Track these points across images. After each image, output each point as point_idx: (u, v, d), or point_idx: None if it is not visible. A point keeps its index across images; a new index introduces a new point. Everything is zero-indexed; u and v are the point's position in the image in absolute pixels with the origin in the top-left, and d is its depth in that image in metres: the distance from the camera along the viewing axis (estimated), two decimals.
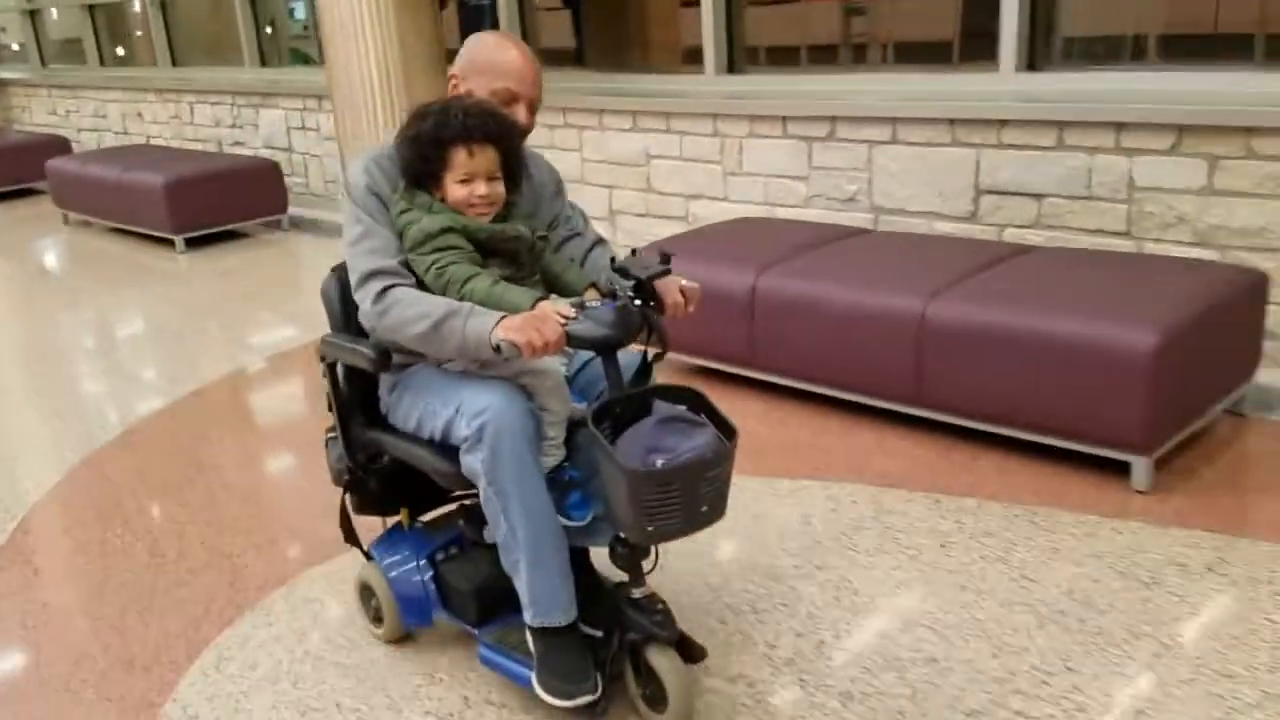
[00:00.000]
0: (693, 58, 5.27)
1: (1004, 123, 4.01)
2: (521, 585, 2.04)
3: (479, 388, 2.00)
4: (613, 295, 1.95)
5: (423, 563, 2.33)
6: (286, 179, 7.29)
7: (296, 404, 4.12)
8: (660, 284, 2.01)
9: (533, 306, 1.92)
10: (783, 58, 5.25)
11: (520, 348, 1.83)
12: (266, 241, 6.78)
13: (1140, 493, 2.87)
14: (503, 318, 1.89)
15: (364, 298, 2.04)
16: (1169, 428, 2.91)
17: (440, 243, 2.01)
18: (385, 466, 2.30)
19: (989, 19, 4.18)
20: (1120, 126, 3.74)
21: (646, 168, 5.31)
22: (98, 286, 6.14)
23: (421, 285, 2.03)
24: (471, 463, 1.97)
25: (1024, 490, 2.94)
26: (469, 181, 2.03)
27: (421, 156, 2.04)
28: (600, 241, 2.37)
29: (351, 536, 2.44)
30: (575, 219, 2.40)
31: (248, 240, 6.82)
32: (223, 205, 6.72)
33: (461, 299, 1.97)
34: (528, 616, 2.06)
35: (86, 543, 3.09)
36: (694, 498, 1.82)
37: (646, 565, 2.05)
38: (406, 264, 2.05)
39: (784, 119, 4.69)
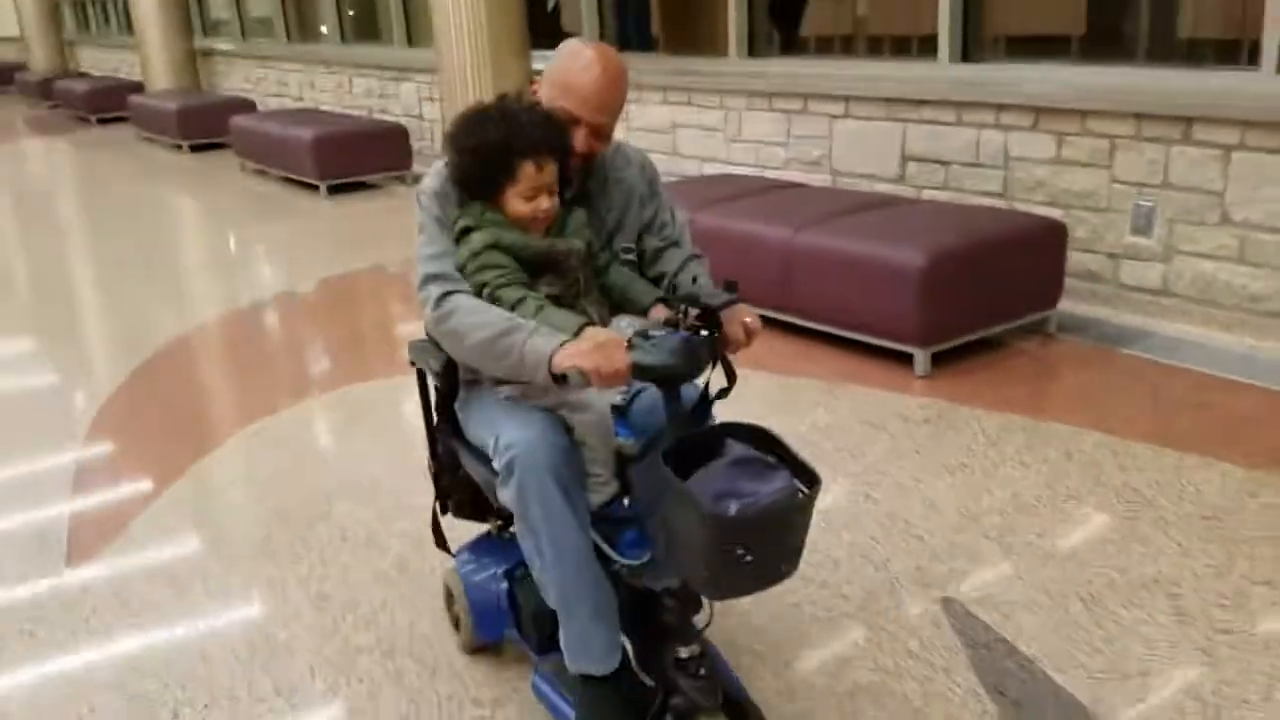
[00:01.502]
0: (716, 45, 6.37)
1: (921, 102, 4.99)
2: (560, 626, 1.97)
3: (516, 419, 1.90)
4: (677, 324, 1.78)
5: (499, 575, 2.25)
6: (416, 142, 8.75)
7: (391, 290, 5.51)
8: (723, 314, 1.84)
9: (577, 332, 1.78)
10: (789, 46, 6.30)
11: (588, 375, 1.71)
12: (392, 193, 8.25)
13: (920, 377, 3.88)
14: (566, 341, 1.76)
15: (425, 301, 1.96)
16: (946, 330, 3.91)
17: (485, 261, 1.91)
18: (468, 475, 2.21)
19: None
20: (1000, 108, 4.68)
21: (672, 134, 6.47)
22: (253, 216, 7.77)
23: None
24: (504, 497, 1.90)
25: (839, 372, 3.99)
26: (534, 198, 1.93)
27: (484, 167, 1.93)
28: (696, 257, 2.19)
29: (440, 539, 2.36)
30: (671, 227, 2.20)
31: (377, 191, 8.31)
32: (359, 160, 8.23)
33: None
34: (566, 660, 1.98)
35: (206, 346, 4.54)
36: (772, 549, 1.63)
37: (700, 620, 1.91)
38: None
39: (770, 95, 5.77)
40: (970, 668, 2.30)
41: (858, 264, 3.96)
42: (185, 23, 12.47)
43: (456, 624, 2.44)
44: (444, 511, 2.33)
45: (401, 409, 3.81)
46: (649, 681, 1.98)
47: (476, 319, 1.88)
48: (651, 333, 1.76)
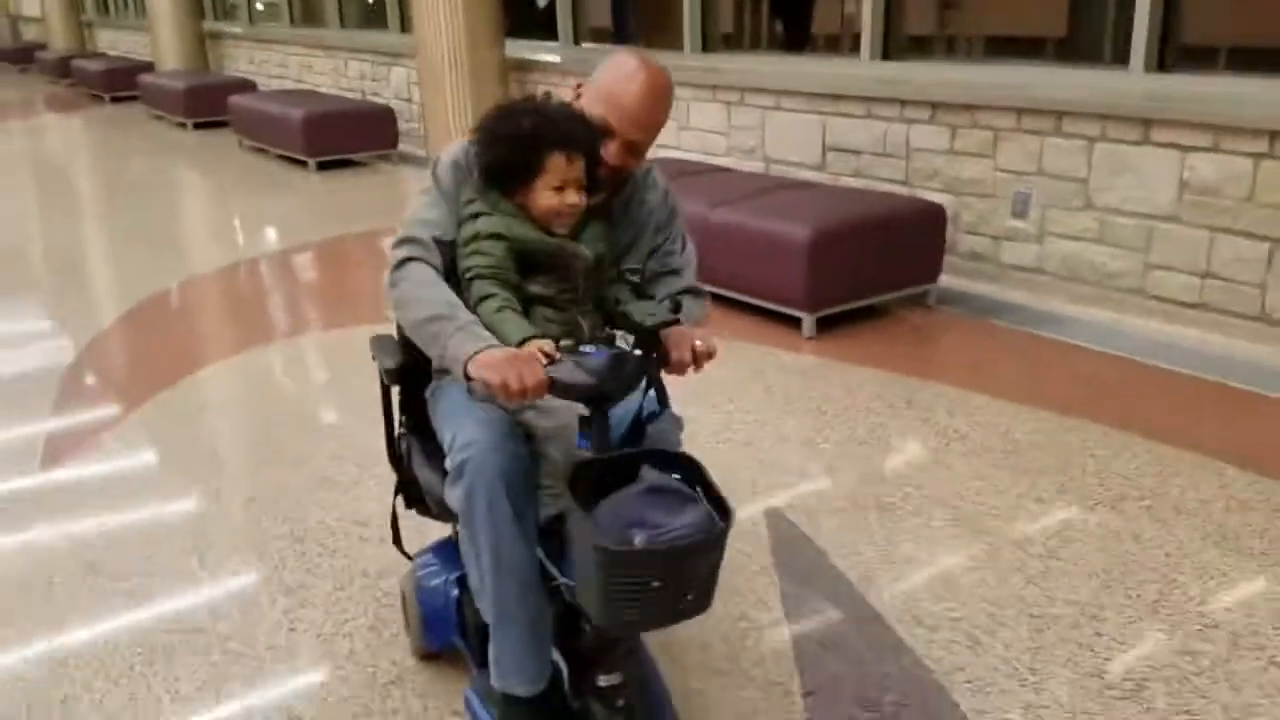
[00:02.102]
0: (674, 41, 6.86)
1: (839, 97, 5.47)
2: (490, 641, 1.90)
3: (474, 420, 1.85)
4: (610, 341, 1.80)
5: (451, 581, 2.20)
6: (405, 124, 9.25)
7: (359, 256, 6.03)
8: (671, 336, 1.84)
9: (522, 343, 1.75)
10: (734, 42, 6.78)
11: (494, 389, 1.67)
12: (377, 170, 8.75)
13: (807, 338, 4.37)
14: (488, 346, 1.74)
15: (391, 259, 1.96)
16: (830, 297, 4.39)
17: (483, 247, 1.89)
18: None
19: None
20: (903, 103, 5.15)
21: None
22: (244, 189, 8.30)
23: (455, 281, 1.93)
24: (449, 497, 1.85)
25: (737, 331, 4.48)
26: (562, 190, 1.91)
27: (515, 156, 1.91)
28: (692, 291, 2.15)
29: (396, 538, 2.33)
30: (676, 257, 2.16)
31: (364, 168, 8.81)
32: (347, 139, 8.74)
33: (474, 313, 1.85)
34: (491, 677, 1.92)
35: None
36: (677, 586, 1.57)
37: (622, 649, 1.83)
38: (450, 249, 1.95)
39: (714, 88, 6.25)
40: (770, 554, 2.80)
41: (757, 237, 4.44)
42: (196, 6, 13.01)
43: (409, 626, 2.40)
44: (408, 506, 2.24)
45: (355, 358, 4.32)
46: (575, 706, 1.90)
47: (420, 293, 1.87)
48: (583, 349, 1.74)
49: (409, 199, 7.64)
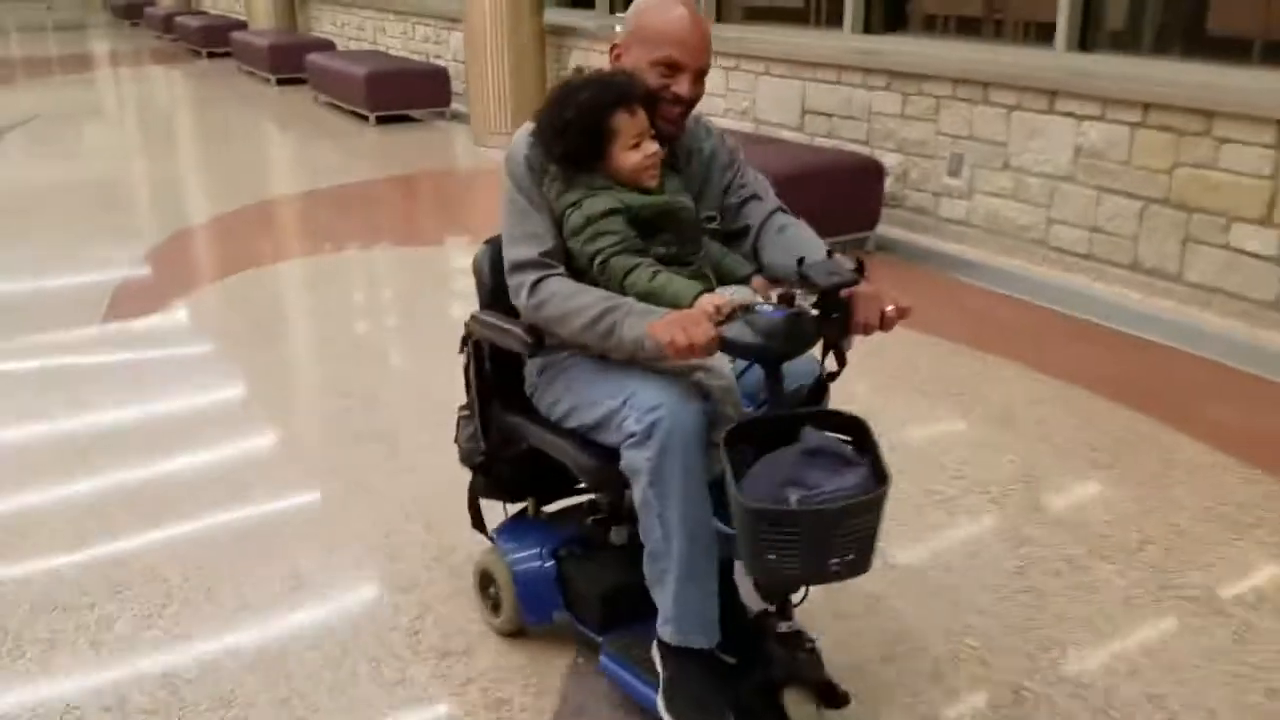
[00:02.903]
0: None
1: (817, 65, 6.11)
2: (665, 598, 1.91)
3: (653, 382, 1.85)
4: (790, 300, 1.73)
5: (548, 556, 2.24)
6: (459, 84, 10.07)
7: (387, 196, 6.88)
8: (859, 298, 1.82)
9: (694, 300, 1.77)
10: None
11: (664, 348, 1.70)
12: (431, 126, 9.59)
13: None
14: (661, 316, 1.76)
15: (517, 288, 1.97)
16: None
17: (602, 227, 1.90)
18: (520, 452, 2.19)
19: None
20: (866, 71, 5.78)
21: None
22: (308, 136, 9.23)
23: (576, 274, 1.95)
24: (635, 459, 1.84)
25: None
26: (639, 144, 1.94)
27: (584, 133, 1.94)
28: (782, 210, 2.17)
29: (478, 521, 2.37)
30: (751, 186, 2.18)
31: (418, 124, 9.66)
32: (404, 96, 9.60)
33: (623, 292, 1.86)
34: (666, 633, 1.93)
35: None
36: (825, 546, 1.61)
37: (796, 598, 1.88)
38: (562, 248, 1.96)
39: (716, 53, 6.90)
40: None
41: None
42: None
43: (495, 607, 2.38)
44: (484, 493, 2.33)
45: (380, 275, 5.16)
46: (730, 661, 1.96)
47: (574, 302, 1.89)
48: (758, 307, 1.72)
49: (453, 151, 8.48)
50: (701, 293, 1.79)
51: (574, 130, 1.95)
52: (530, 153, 2.02)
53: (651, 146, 1.96)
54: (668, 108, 2.03)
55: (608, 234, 1.90)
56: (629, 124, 1.94)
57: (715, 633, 1.95)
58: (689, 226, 2.00)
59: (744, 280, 2.04)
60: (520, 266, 1.97)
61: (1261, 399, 3.72)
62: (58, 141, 9.05)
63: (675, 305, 1.80)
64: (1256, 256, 4.12)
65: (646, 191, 1.98)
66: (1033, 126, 4.90)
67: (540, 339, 2.03)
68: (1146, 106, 4.41)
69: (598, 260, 1.90)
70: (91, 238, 5.91)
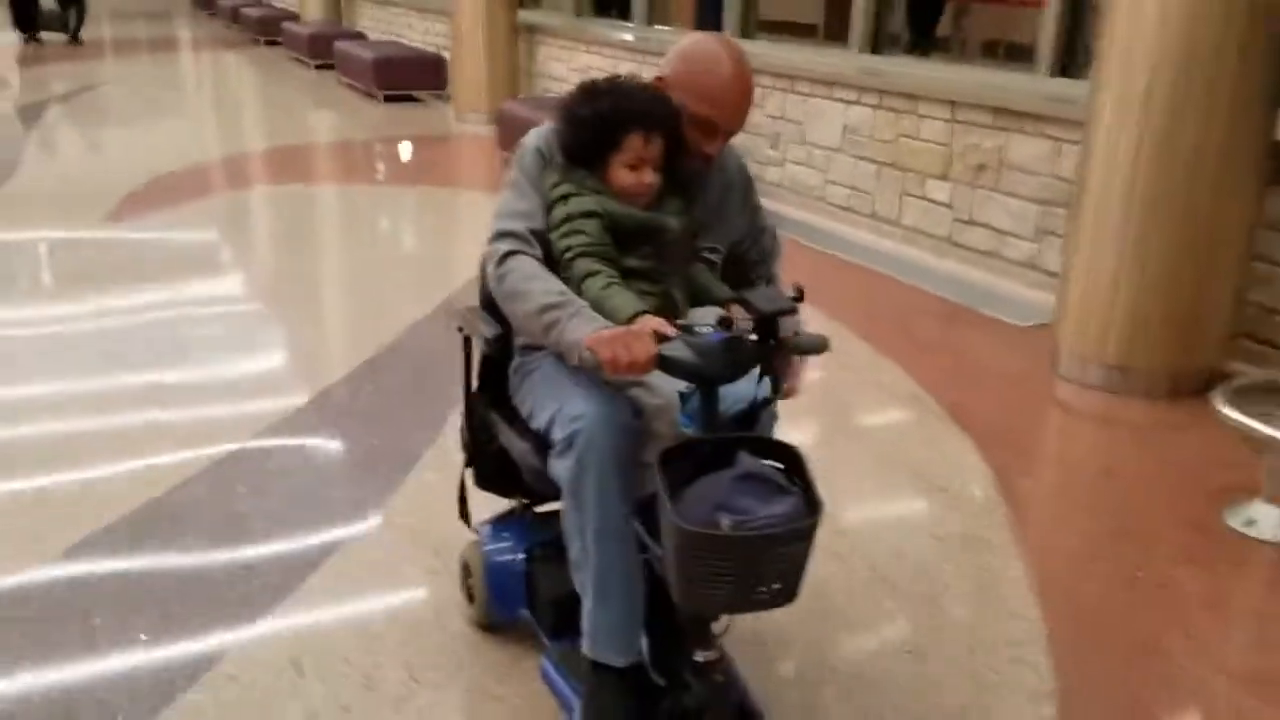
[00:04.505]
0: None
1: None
2: (585, 612, 1.93)
3: (585, 392, 1.86)
4: (729, 324, 1.72)
5: (520, 554, 2.26)
6: None
7: (375, 151, 8.57)
8: (791, 366, 1.93)
9: (633, 318, 1.77)
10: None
11: (603, 363, 1.68)
12: (428, 105, 11.28)
13: None
14: (602, 327, 1.75)
15: (490, 255, 1.97)
16: None
17: (578, 226, 1.92)
18: (501, 448, 2.19)
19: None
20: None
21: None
22: (323, 107, 11.00)
23: (551, 264, 1.94)
24: (557, 469, 1.88)
25: None
26: (638, 168, 1.95)
27: (594, 134, 1.96)
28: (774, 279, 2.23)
29: (464, 510, 2.39)
30: (765, 242, 2.26)
31: (419, 103, 11.36)
32: (407, 79, 11.30)
33: (580, 294, 1.86)
34: (584, 646, 1.95)
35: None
36: (754, 574, 1.58)
37: (718, 627, 1.84)
38: (546, 235, 1.96)
39: (643, 52, 8.48)
40: None
41: None
42: None
43: (470, 597, 2.43)
44: (478, 484, 2.33)
45: (380, 203, 6.82)
46: (660, 681, 1.94)
47: (530, 285, 1.88)
48: (698, 329, 1.73)
49: (437, 124, 10.13)
50: (641, 313, 1.79)
51: (584, 127, 1.98)
52: (543, 144, 2.04)
53: (648, 176, 1.97)
54: (692, 160, 2.04)
55: (581, 234, 1.92)
56: (637, 146, 1.95)
57: (632, 651, 1.95)
58: (669, 247, 1.99)
59: (720, 304, 2.02)
60: (500, 235, 1.97)
61: (945, 315, 5.13)
62: (135, 97, 10.94)
63: (612, 319, 1.80)
64: (938, 203, 5.58)
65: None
66: (819, 110, 6.40)
67: (504, 337, 2.09)
68: (884, 92, 5.89)
69: (565, 256, 1.92)
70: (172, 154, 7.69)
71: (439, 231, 6.71)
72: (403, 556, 2.82)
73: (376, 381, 4.03)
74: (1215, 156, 3.61)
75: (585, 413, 1.84)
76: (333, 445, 3.51)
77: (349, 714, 2.23)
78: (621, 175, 1.97)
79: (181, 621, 2.52)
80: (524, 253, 1.94)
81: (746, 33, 7.57)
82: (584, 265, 1.90)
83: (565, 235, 1.94)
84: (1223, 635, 2.65)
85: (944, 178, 5.53)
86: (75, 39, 16.04)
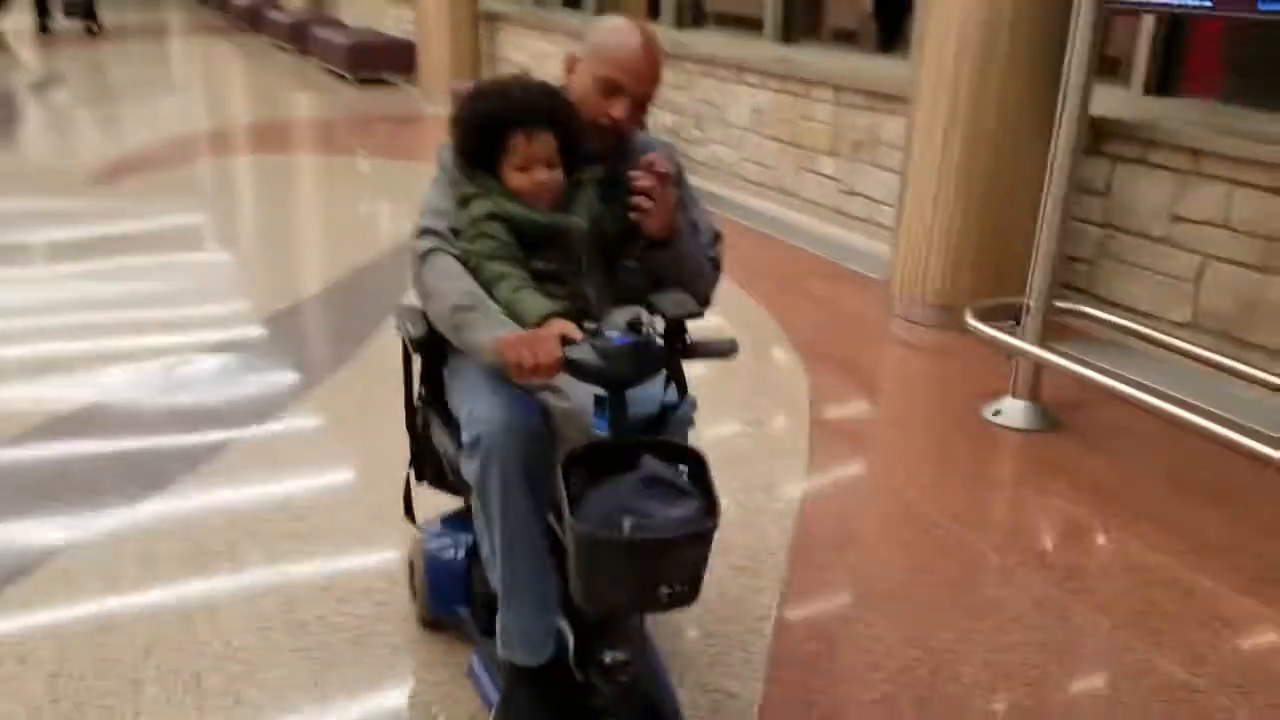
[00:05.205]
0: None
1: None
2: (499, 613, 1.96)
3: (492, 394, 1.88)
4: (637, 328, 1.73)
5: (460, 552, 2.29)
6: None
7: (337, 126, 9.30)
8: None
9: (542, 321, 1.78)
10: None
11: (508, 366, 1.69)
12: (399, 88, 11.98)
13: None
14: (511, 331, 1.76)
15: (413, 251, 1.98)
16: None
17: (482, 229, 1.92)
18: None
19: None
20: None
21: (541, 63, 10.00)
22: (299, 88, 11.73)
23: (465, 266, 1.94)
24: (465, 469, 1.89)
25: None
26: (527, 169, 1.95)
27: (479, 139, 1.96)
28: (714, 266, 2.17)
29: (409, 507, 2.37)
30: (704, 233, 2.19)
31: (391, 86, 12.06)
32: (378, 62, 12.02)
33: (491, 297, 1.87)
34: (498, 645, 1.98)
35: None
36: (653, 576, 1.60)
37: (629, 627, 1.85)
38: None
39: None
40: None
41: None
42: None
43: (414, 593, 2.47)
44: (419, 479, 2.31)
45: (315, 172, 7.56)
46: (579, 678, 1.96)
47: (444, 285, 1.89)
48: (607, 333, 1.72)
49: (403, 105, 10.84)
50: (551, 314, 1.79)
51: (470, 133, 1.99)
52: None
53: (540, 174, 1.95)
54: (602, 131, 2.04)
55: (486, 237, 1.92)
56: (522, 146, 1.94)
57: (543, 652, 1.96)
58: (575, 247, 1.99)
59: (642, 303, 1.99)
60: (423, 232, 1.98)
61: (824, 274, 5.87)
62: (127, 78, 11.64)
63: (521, 322, 1.80)
64: (827, 177, 6.33)
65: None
66: (735, 94, 7.14)
67: (425, 336, 2.07)
68: (784, 78, 6.63)
69: (473, 261, 1.92)
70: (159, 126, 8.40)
71: (389, 194, 7.45)
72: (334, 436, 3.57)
73: (324, 305, 4.82)
74: (1012, 126, 4.35)
75: (488, 416, 1.85)
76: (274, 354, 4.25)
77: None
78: (514, 178, 1.98)
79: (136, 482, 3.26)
80: (444, 250, 1.95)
81: (681, 22, 8.32)
82: (492, 268, 1.91)
83: (472, 240, 1.95)
84: (949, 487, 3.42)
85: (831, 154, 6.28)
86: (92, 28, 16.57)
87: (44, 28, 16.56)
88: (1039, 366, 3.70)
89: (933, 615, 2.70)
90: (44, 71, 12.43)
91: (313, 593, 2.66)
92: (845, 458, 3.60)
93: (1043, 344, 3.63)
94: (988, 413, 3.81)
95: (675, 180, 2.08)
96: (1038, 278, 3.65)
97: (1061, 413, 3.80)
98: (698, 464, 1.72)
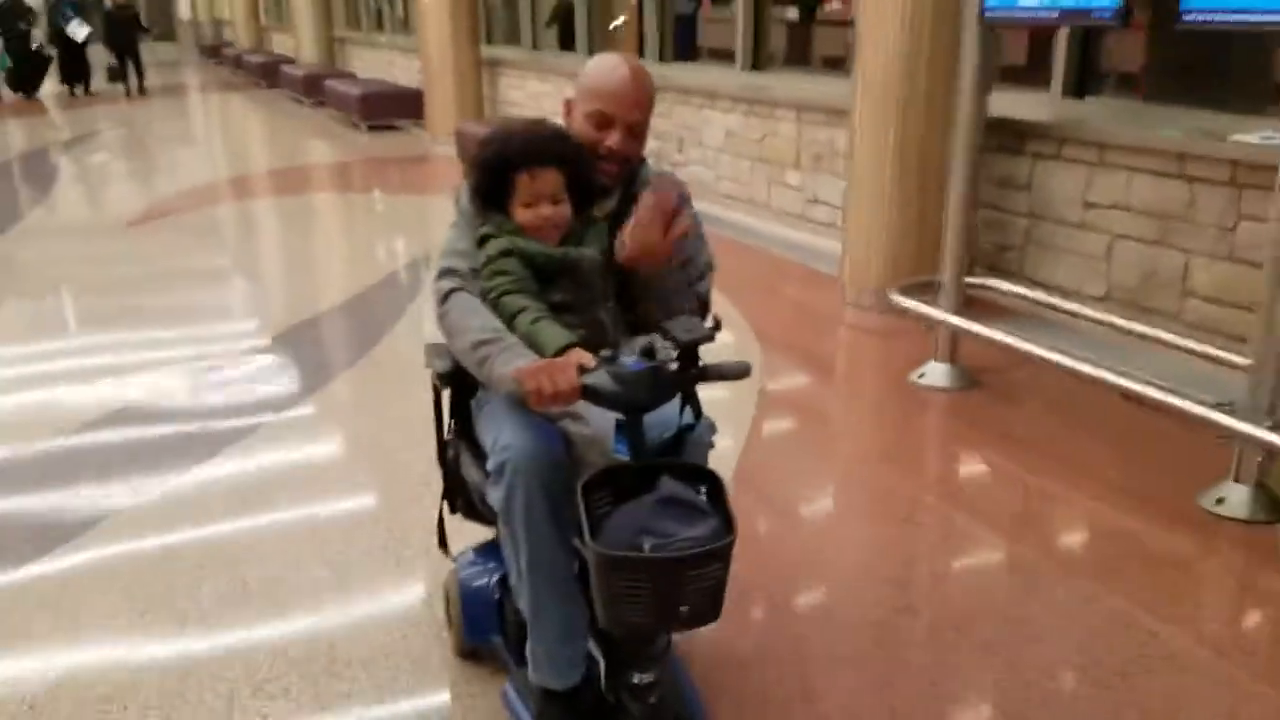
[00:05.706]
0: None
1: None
2: (528, 635, 2.01)
3: (515, 423, 1.93)
4: (651, 354, 1.80)
5: (494, 582, 2.31)
6: None
7: (350, 169, 10.01)
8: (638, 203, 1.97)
9: (561, 351, 1.85)
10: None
11: (527, 394, 1.75)
12: (408, 133, 12.72)
13: None
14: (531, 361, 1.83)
15: (436, 292, 2.06)
16: None
17: (498, 266, 2.00)
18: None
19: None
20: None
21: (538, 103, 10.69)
22: (312, 136, 12.49)
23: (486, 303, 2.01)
24: (491, 496, 1.95)
25: None
26: (533, 205, 2.05)
27: (488, 181, 2.08)
28: (703, 307, 2.23)
29: (442, 538, 2.43)
30: (689, 271, 2.22)
31: (399, 132, 12.81)
32: (388, 110, 12.77)
33: (512, 330, 1.94)
34: (529, 670, 2.03)
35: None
36: (673, 595, 1.65)
37: (656, 649, 1.90)
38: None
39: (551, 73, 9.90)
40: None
41: None
42: (327, 14, 17.43)
43: (450, 623, 2.49)
44: (452, 511, 2.36)
45: (332, 208, 8.26)
46: (610, 700, 1.99)
47: (466, 321, 1.97)
48: (622, 359, 1.79)
49: (412, 148, 11.55)
50: (570, 345, 1.85)
51: (481, 175, 2.10)
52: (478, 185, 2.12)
53: (546, 210, 2.04)
54: (605, 164, 2.12)
55: (504, 274, 1.99)
56: (526, 185, 2.04)
57: (572, 676, 2.01)
58: (589, 278, 2.05)
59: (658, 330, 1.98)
60: (444, 273, 2.06)
61: (791, 274, 6.46)
62: (153, 133, 12.44)
63: (541, 353, 1.86)
64: (793, 188, 6.95)
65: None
66: (709, 118, 7.78)
67: (452, 375, 2.14)
68: (752, 102, 7.27)
69: (493, 295, 1.98)
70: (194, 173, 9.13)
71: (398, 226, 8.12)
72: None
73: (334, 319, 5.46)
74: (936, 133, 4.95)
75: (511, 443, 1.90)
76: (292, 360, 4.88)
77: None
78: (522, 214, 2.07)
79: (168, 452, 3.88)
80: (465, 290, 2.03)
81: (664, 57, 9.01)
82: (511, 302, 1.98)
83: (490, 277, 2.01)
84: (872, 436, 4.08)
85: (796, 166, 6.90)
86: (140, 89, 17.27)
87: (86, 89, 17.36)
88: (955, 334, 4.28)
89: (850, 531, 3.31)
90: (79, 129, 13.27)
91: (339, 533, 3.20)
92: (785, 419, 4.17)
93: (957, 314, 4.20)
94: (912, 376, 4.38)
95: (676, 209, 2.06)
96: (949, 256, 4.24)
97: (978, 375, 4.36)
98: (714, 483, 1.79)
